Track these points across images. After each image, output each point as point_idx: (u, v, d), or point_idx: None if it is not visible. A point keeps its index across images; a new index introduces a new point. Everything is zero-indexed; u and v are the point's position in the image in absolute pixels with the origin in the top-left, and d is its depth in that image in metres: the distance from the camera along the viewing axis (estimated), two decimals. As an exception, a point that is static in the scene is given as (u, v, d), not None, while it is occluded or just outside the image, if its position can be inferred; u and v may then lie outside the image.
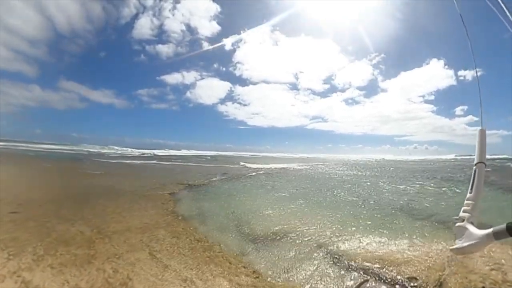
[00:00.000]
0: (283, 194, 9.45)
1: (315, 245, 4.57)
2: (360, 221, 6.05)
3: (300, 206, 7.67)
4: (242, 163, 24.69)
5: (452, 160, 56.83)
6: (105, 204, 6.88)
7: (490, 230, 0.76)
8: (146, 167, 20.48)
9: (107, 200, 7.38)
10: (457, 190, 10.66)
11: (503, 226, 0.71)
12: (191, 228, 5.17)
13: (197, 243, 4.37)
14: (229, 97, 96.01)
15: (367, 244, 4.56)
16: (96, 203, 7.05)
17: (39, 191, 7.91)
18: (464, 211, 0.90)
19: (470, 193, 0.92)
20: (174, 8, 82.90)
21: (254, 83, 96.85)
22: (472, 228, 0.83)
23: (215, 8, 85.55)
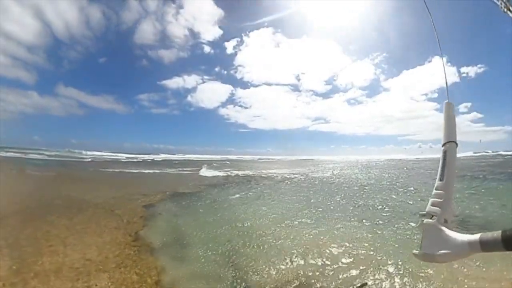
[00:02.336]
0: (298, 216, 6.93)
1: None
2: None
3: (332, 229, 5.51)
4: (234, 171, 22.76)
5: (473, 157, 50.94)
6: (54, 223, 5.42)
7: (477, 237, 0.54)
8: (130, 174, 18.98)
9: (62, 216, 5.92)
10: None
11: (496, 234, 0.50)
12: (153, 274, 3.57)
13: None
14: (230, 100, 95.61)
15: None
16: (45, 220, 5.60)
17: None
18: (433, 205, 0.69)
19: (441, 180, 0.71)
20: (177, 13, 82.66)
21: (255, 86, 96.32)
22: (446, 230, 0.63)
23: (218, 12, 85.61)
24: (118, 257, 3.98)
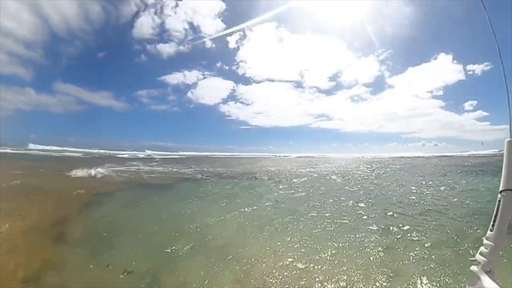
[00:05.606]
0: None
1: None
2: None
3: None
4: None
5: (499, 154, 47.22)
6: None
7: None
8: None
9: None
10: None
11: None
12: (34, 268, 3.38)
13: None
14: (232, 97, 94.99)
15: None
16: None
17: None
18: (481, 253, 0.71)
19: (491, 231, 0.70)
20: (176, 5, 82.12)
21: (258, 82, 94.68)
22: (486, 280, 0.66)
23: (220, 5, 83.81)
24: (17, 241, 4.20)
